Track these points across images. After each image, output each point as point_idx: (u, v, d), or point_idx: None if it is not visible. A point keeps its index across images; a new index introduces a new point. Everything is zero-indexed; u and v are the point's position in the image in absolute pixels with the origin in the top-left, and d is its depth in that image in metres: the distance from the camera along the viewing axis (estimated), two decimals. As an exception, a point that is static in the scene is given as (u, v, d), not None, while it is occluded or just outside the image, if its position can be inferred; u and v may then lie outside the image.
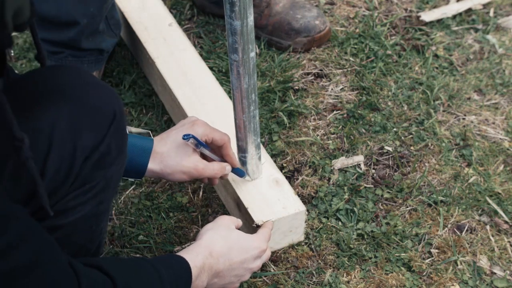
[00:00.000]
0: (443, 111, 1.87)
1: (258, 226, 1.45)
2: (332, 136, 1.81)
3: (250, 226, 1.48)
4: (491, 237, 1.59)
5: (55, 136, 1.03)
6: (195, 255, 1.23)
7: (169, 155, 1.37)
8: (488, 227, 1.61)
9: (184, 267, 1.19)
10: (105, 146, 1.11)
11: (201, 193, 1.70)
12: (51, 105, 1.04)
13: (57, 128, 1.04)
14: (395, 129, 1.81)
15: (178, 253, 1.23)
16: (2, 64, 0.97)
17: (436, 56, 2.03)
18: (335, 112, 1.87)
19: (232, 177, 1.54)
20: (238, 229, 1.39)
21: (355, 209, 1.63)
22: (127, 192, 1.70)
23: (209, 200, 1.68)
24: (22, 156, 0.93)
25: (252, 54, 1.28)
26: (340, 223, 1.62)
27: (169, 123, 1.86)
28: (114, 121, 1.12)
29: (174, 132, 1.40)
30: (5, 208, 0.90)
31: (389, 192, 1.68)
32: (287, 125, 1.82)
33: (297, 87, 1.92)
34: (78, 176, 1.08)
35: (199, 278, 1.21)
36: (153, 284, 1.11)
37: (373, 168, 1.74)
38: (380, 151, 1.77)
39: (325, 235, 1.59)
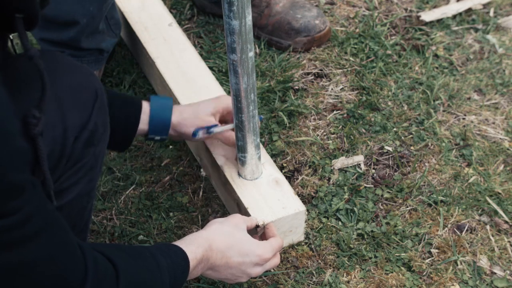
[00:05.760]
0: (443, 111, 1.87)
1: (258, 226, 1.45)
2: (332, 136, 1.81)
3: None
4: (491, 237, 1.59)
5: (45, 118, 1.03)
6: (196, 246, 1.23)
7: (186, 110, 1.52)
8: (488, 227, 1.61)
9: (182, 257, 1.20)
10: (93, 124, 1.13)
11: (201, 193, 1.70)
12: (33, 90, 1.03)
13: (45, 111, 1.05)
14: (395, 129, 1.81)
15: (181, 242, 1.24)
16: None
17: (436, 56, 2.03)
18: (335, 112, 1.87)
19: (232, 177, 1.54)
20: (251, 229, 1.40)
21: (355, 209, 1.63)
22: (127, 192, 1.70)
23: (209, 200, 1.68)
24: (33, 132, 0.94)
25: (251, 54, 1.28)
26: (340, 223, 1.62)
27: (169, 123, 1.86)
28: (97, 98, 1.14)
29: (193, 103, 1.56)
30: (24, 180, 0.89)
31: (389, 192, 1.68)
32: (287, 125, 1.82)
33: (297, 87, 1.92)
34: (71, 156, 1.09)
35: (195, 269, 1.23)
36: (152, 271, 1.12)
37: (373, 168, 1.73)
38: (380, 151, 1.77)
39: (325, 235, 1.59)
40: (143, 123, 1.46)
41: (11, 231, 0.86)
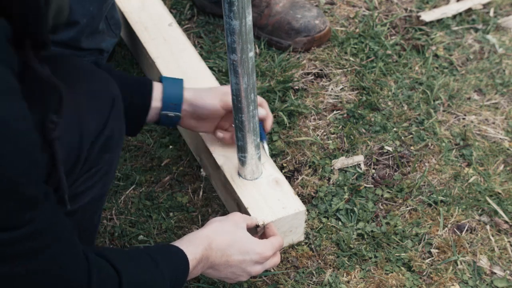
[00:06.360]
0: (443, 111, 1.87)
1: (258, 226, 1.45)
2: (332, 136, 1.81)
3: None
4: (491, 237, 1.59)
5: (62, 123, 1.04)
6: (196, 246, 1.23)
7: (199, 88, 1.51)
8: (488, 227, 1.61)
9: (182, 258, 1.20)
10: (109, 130, 1.14)
11: (201, 193, 1.70)
12: (51, 97, 1.04)
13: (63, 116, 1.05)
14: (395, 129, 1.81)
15: (180, 242, 1.24)
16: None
17: (436, 56, 2.03)
18: (335, 112, 1.87)
19: (232, 177, 1.54)
20: (251, 229, 1.40)
21: (355, 209, 1.63)
22: (127, 192, 1.70)
23: (209, 200, 1.68)
24: (50, 136, 0.94)
25: (251, 54, 1.28)
26: (340, 223, 1.62)
27: (169, 123, 1.86)
28: (114, 105, 1.15)
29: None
30: (38, 193, 0.90)
31: (389, 192, 1.68)
32: (287, 125, 1.82)
33: (297, 87, 1.92)
34: (86, 160, 1.10)
35: (195, 269, 1.23)
36: (153, 274, 1.13)
37: (373, 168, 1.73)
38: (380, 151, 1.77)
39: (325, 235, 1.59)
40: (156, 100, 1.43)
41: (21, 242, 0.87)
